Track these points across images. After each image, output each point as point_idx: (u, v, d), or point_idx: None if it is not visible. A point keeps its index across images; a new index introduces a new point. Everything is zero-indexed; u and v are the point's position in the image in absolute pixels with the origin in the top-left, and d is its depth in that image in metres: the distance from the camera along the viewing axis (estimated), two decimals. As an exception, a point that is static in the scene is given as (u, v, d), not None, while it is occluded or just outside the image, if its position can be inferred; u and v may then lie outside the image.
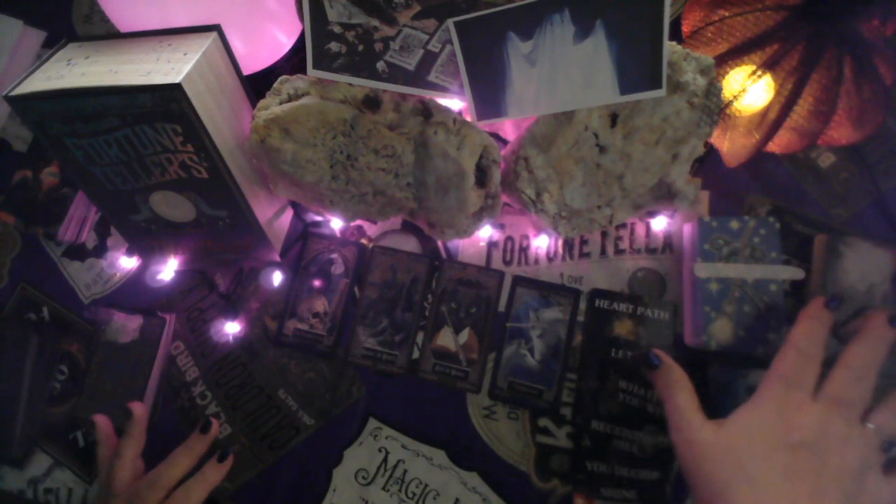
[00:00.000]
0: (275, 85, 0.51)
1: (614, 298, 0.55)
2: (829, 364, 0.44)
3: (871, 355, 0.44)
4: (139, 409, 0.57)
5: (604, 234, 0.57)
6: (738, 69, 0.49)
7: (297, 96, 0.50)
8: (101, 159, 0.49)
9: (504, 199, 0.53)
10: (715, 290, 0.50)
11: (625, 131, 0.49)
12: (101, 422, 0.58)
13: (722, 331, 0.49)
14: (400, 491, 0.55)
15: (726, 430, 0.44)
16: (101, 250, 0.65)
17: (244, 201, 0.52)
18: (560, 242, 0.58)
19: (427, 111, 0.50)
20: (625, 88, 0.46)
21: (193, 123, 0.46)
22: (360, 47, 0.48)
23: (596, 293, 0.56)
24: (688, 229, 0.54)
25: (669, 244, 0.56)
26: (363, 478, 0.56)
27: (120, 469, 0.54)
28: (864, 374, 0.43)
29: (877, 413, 0.43)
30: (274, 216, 0.58)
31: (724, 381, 0.50)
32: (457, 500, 0.54)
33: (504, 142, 0.57)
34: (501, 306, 0.57)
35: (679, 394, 0.46)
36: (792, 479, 0.41)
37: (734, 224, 0.51)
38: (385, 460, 0.56)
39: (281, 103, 0.50)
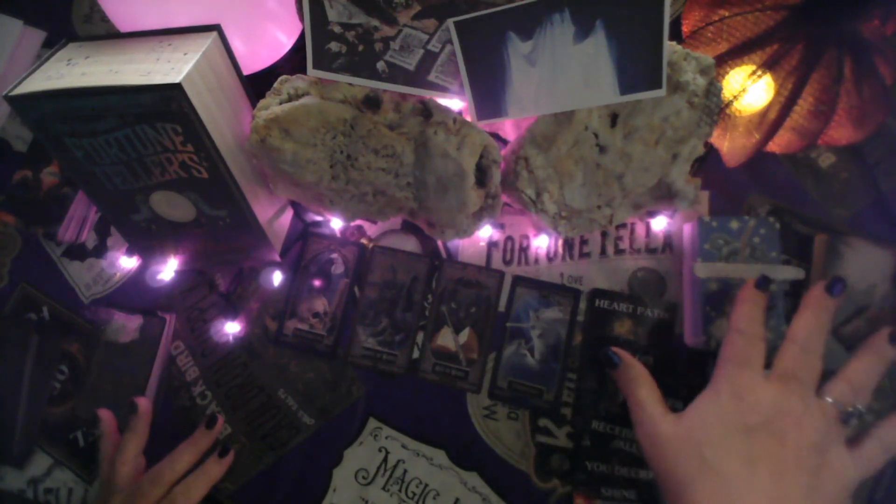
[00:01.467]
0: (275, 85, 0.51)
1: (614, 298, 0.55)
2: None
3: (816, 327, 0.43)
4: (144, 404, 0.57)
5: (604, 234, 0.57)
6: (738, 69, 0.49)
7: (297, 96, 0.50)
8: (101, 159, 0.49)
9: (504, 199, 0.53)
10: (715, 290, 0.50)
11: (625, 131, 0.49)
12: (105, 416, 0.58)
13: (722, 331, 0.49)
14: (400, 491, 0.55)
15: (685, 420, 0.43)
16: (101, 250, 0.65)
17: (244, 201, 0.52)
18: (560, 242, 0.58)
19: (427, 111, 0.50)
20: (625, 88, 0.46)
21: (193, 123, 0.46)
22: (360, 47, 0.48)
23: (596, 293, 0.56)
24: (688, 229, 0.54)
25: (669, 244, 0.56)
26: (363, 478, 0.56)
27: (122, 464, 0.54)
28: (812, 348, 0.43)
29: (832, 385, 0.42)
30: (274, 216, 0.58)
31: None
32: (457, 500, 0.54)
33: (504, 142, 0.57)
34: (501, 306, 0.57)
35: (639, 388, 0.46)
36: (752, 463, 0.40)
37: (734, 224, 0.51)
38: (385, 460, 0.56)
39: (281, 103, 0.50)
